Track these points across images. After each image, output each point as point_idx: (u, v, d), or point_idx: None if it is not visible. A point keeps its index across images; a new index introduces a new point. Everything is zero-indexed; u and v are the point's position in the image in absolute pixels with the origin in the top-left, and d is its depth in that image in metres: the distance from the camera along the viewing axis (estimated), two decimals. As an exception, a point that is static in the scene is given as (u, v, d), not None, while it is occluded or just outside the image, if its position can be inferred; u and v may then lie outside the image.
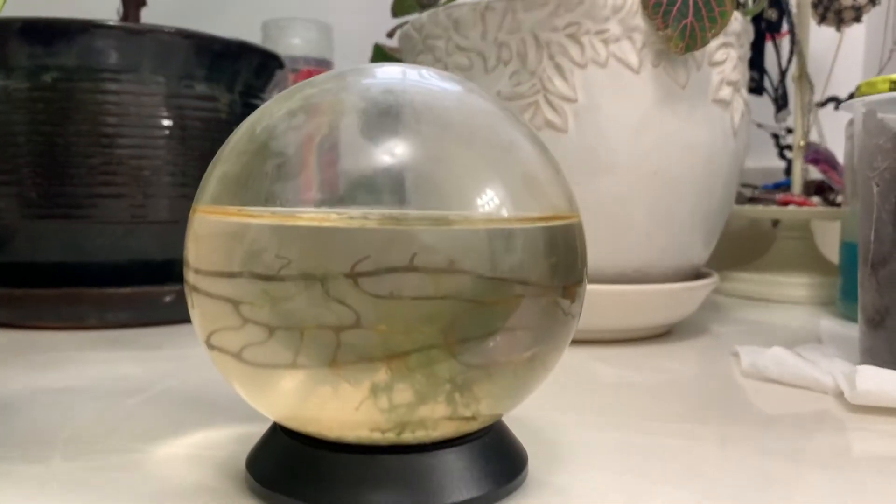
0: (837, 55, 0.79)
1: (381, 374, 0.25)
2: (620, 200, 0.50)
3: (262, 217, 0.25)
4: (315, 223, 0.24)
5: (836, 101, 0.79)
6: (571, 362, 0.48)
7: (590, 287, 0.49)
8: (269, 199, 0.25)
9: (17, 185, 0.56)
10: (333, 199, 0.25)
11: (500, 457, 0.28)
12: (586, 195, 0.49)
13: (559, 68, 0.48)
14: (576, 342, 0.52)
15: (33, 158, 0.55)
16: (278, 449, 0.28)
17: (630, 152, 0.49)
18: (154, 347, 0.51)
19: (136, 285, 0.57)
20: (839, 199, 0.76)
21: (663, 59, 0.49)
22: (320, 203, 0.25)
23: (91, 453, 0.32)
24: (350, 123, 0.27)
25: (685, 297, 0.53)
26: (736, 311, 0.69)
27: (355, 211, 0.24)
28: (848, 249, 0.64)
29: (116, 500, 0.27)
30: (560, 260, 0.27)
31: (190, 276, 0.27)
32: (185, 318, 0.59)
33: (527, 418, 0.37)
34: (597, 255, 0.50)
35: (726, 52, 0.51)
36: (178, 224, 0.58)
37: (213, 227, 0.26)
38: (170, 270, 0.59)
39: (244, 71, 0.61)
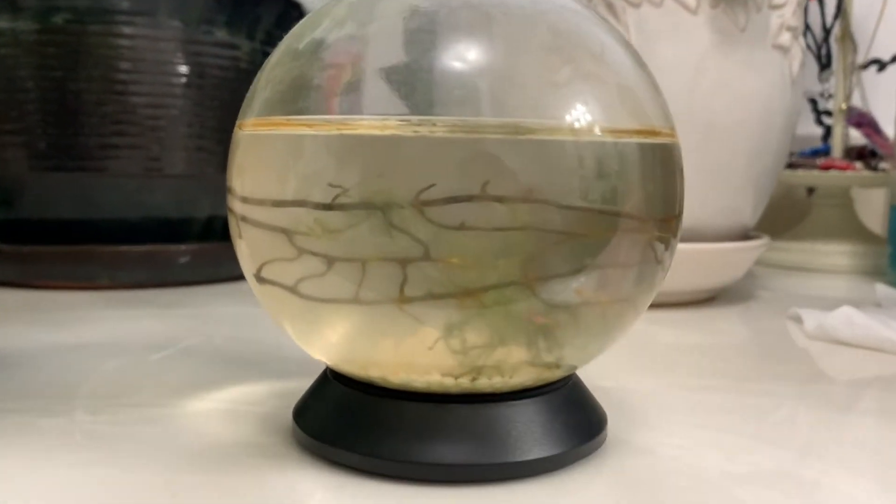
0: (882, 15, 0.76)
1: (454, 312, 0.22)
2: (672, 152, 0.46)
3: (318, 126, 0.21)
4: (376, 131, 0.21)
5: (880, 64, 0.76)
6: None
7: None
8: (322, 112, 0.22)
9: (25, 135, 0.52)
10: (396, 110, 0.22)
11: (581, 411, 0.25)
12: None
13: (611, 6, 0.45)
14: (621, 304, 0.49)
15: (42, 106, 0.52)
16: (331, 398, 0.25)
17: (683, 101, 0.46)
18: (171, 306, 0.48)
19: (151, 243, 0.54)
20: (882, 165, 0.73)
21: (722, 0, 0.45)
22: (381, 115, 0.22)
23: (115, 407, 0.29)
24: (414, 26, 0.23)
25: (737, 259, 0.50)
26: (777, 279, 0.66)
27: (420, 118, 0.21)
28: (899, 214, 0.61)
29: (147, 454, 0.24)
30: (658, 186, 0.23)
31: (236, 205, 0.24)
32: (202, 280, 0.55)
33: (591, 376, 0.33)
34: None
35: (786, -5, 0.48)
36: (195, 179, 0.55)
37: (261, 145, 0.23)
38: (186, 228, 0.56)
39: (265, 18, 0.58)
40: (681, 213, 0.25)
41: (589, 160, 0.22)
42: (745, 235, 0.53)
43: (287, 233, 0.22)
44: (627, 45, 0.25)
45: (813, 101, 0.81)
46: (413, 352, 0.22)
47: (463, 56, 0.22)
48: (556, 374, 0.24)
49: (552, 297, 0.22)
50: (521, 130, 0.21)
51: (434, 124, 0.21)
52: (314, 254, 0.22)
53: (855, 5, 0.74)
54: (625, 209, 0.22)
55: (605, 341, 0.24)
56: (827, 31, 0.75)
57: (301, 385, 0.27)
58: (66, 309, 0.46)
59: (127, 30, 0.52)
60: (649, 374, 0.35)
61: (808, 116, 0.82)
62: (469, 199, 0.21)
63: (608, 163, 0.22)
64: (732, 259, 0.50)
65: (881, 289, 0.53)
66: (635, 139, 0.23)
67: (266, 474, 0.23)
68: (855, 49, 0.72)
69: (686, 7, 0.45)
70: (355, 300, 0.22)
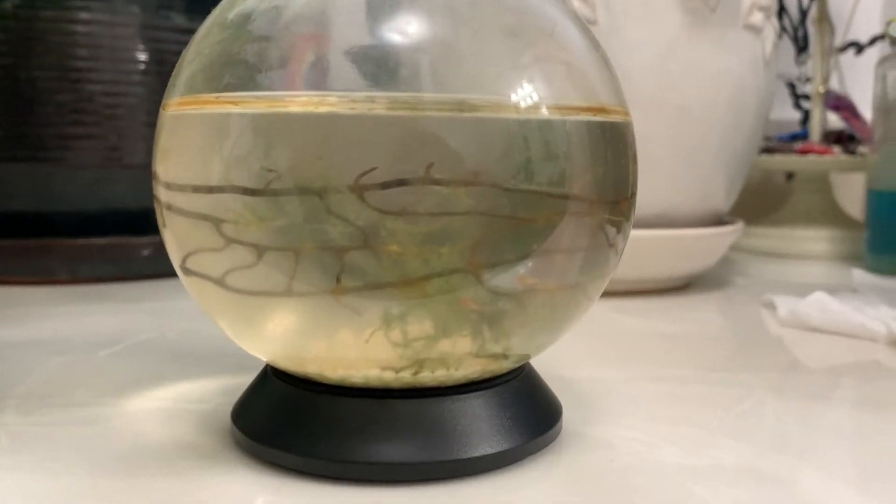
0: (859, -3, 0.75)
1: (394, 302, 0.20)
2: (642, 136, 0.45)
3: (247, 103, 0.20)
4: (310, 109, 0.20)
5: (858, 46, 0.75)
6: (588, 314, 0.44)
7: (608, 232, 0.45)
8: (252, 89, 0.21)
9: (-23, 126, 0.51)
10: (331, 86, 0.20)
11: (533, 404, 0.24)
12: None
13: (577, -13, 0.44)
14: (592, 293, 0.47)
15: (-6, 95, 0.50)
16: (269, 396, 0.24)
17: (653, 82, 0.45)
18: (130, 301, 0.46)
19: (111, 236, 0.52)
20: (861, 149, 0.72)
21: (691, -21, 0.44)
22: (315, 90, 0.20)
23: (49, 407, 0.27)
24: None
25: (710, 245, 0.49)
26: (753, 265, 0.65)
27: (358, 94, 0.20)
28: (878, 199, 0.60)
29: (75, 457, 0.23)
30: (609, 167, 0.22)
31: (161, 192, 0.22)
32: (165, 273, 0.54)
33: (551, 366, 0.32)
34: (616, 197, 0.46)
35: (758, -26, 0.47)
36: (157, 169, 0.53)
37: (186, 126, 0.21)
38: (147, 220, 0.54)
39: (227, 3, 0.56)
40: (634, 194, 0.24)
41: (536, 140, 0.20)
42: (718, 221, 0.52)
43: (213, 221, 0.21)
44: (581, 25, 0.23)
45: (791, 85, 0.80)
46: (350, 345, 0.21)
47: (403, 29, 0.21)
48: (505, 366, 0.23)
49: (498, 285, 0.21)
50: (465, 107, 0.20)
51: (373, 101, 0.20)
52: (243, 243, 0.20)
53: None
54: (573, 191, 0.21)
55: (555, 330, 0.23)
56: (803, 14, 0.74)
57: (251, 382, 0.26)
58: (19, 304, 0.45)
59: (82, 15, 0.51)
60: (613, 364, 0.34)
61: (787, 101, 0.81)
62: (411, 182, 0.20)
63: (556, 143, 0.21)
64: (705, 245, 0.49)
65: (858, 274, 0.52)
66: (584, 117, 0.21)
67: (198, 478, 0.22)
68: (832, 31, 0.71)
69: (655, -14, 0.43)
70: (288, 292, 0.21)
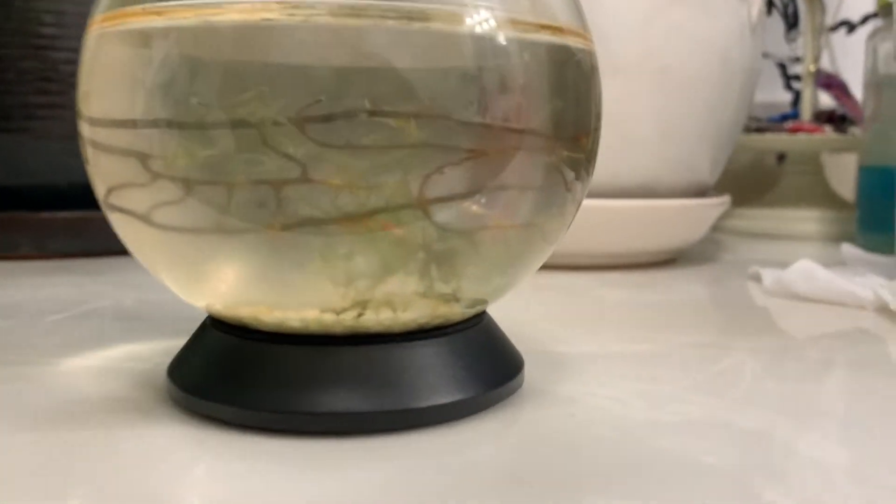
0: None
1: (335, 239, 0.19)
2: (624, 103, 0.44)
3: (173, 13, 0.18)
4: (244, 17, 0.18)
5: (849, 25, 0.73)
6: (569, 285, 0.42)
7: (587, 203, 0.43)
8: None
9: (-62, 95, 0.49)
10: None
11: (490, 355, 0.22)
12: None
13: (555, -55, 0.42)
14: (572, 267, 0.46)
15: (-45, 63, 0.49)
16: (205, 348, 0.22)
17: (635, 46, 0.43)
18: (94, 274, 0.45)
19: (78, 210, 0.51)
20: (852, 129, 0.70)
21: (674, -62, 0.42)
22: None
23: (-19, 365, 0.26)
24: None
25: (695, 216, 0.47)
26: (742, 245, 0.63)
27: (299, 0, 0.18)
28: (869, 175, 0.58)
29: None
30: (570, 98, 0.21)
31: (84, 128, 0.21)
32: (133, 247, 0.52)
33: (521, 331, 0.31)
34: (596, 167, 0.44)
35: (744, -64, 0.45)
36: (125, 141, 0.52)
37: (107, 48, 0.20)
38: (116, 194, 0.53)
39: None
40: (596, 130, 0.22)
41: (490, 64, 0.19)
42: (704, 194, 0.50)
43: (139, 156, 0.19)
44: None
45: (782, 66, 0.78)
46: (286, 285, 0.19)
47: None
48: (457, 311, 0.21)
49: (446, 221, 0.19)
50: (416, 16, 0.18)
51: (314, 7, 0.18)
52: (171, 178, 0.19)
53: (823, -37, 0.71)
54: (529, 125, 0.20)
55: (510, 273, 0.21)
56: (794, -11, 0.72)
57: (189, 337, 0.24)
58: (-24, 277, 0.43)
59: (44, -20, 0.49)
60: (587, 329, 0.32)
61: (777, 82, 0.80)
62: (358, 114, 0.18)
63: (512, 69, 0.19)
64: (689, 217, 0.47)
65: (846, 248, 0.50)
66: (543, 36, 0.20)
67: (128, 432, 0.20)
68: (823, 9, 0.70)
69: (636, -55, 0.42)
70: (219, 228, 0.19)
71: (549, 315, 0.35)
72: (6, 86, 0.49)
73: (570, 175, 0.21)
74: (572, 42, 0.21)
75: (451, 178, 0.19)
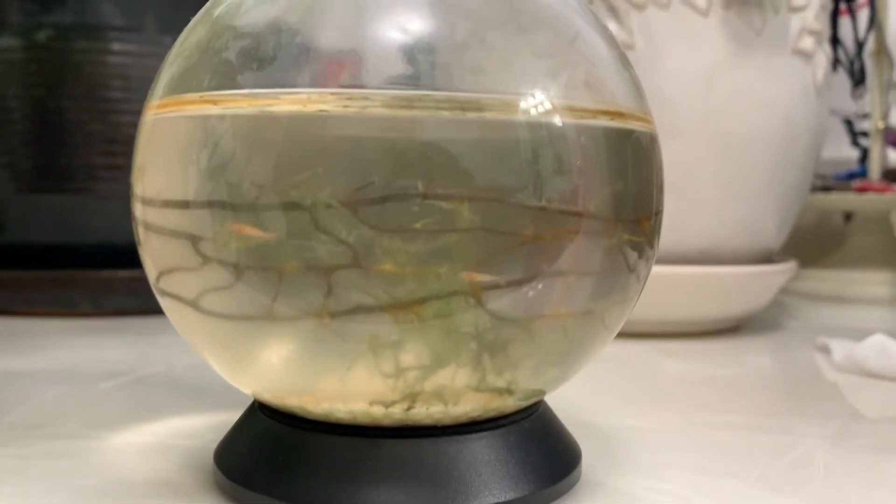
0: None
1: (385, 327, 0.18)
2: (684, 166, 0.43)
3: (229, 102, 0.18)
4: (299, 107, 0.18)
5: (919, 81, 0.71)
6: (626, 355, 0.41)
7: (648, 268, 0.42)
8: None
9: (7, 156, 0.51)
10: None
11: (546, 448, 0.21)
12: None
13: (613, 10, 0.42)
14: (630, 335, 0.45)
15: (25, 126, 0.50)
16: (252, 433, 0.21)
17: (696, 109, 0.42)
18: (149, 334, 0.45)
19: (135, 268, 0.51)
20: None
21: (735, 1, 0.42)
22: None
23: (32, 438, 0.26)
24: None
25: (758, 284, 0.46)
26: (808, 310, 0.61)
27: (353, 91, 0.18)
28: (942, 237, 0.56)
29: (45, 491, 0.21)
30: (630, 182, 0.20)
31: (137, 209, 0.21)
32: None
33: (576, 411, 0.30)
34: (656, 231, 0.43)
35: (807, -2, 0.44)
36: (184, 201, 0.53)
37: (163, 132, 0.20)
38: (174, 253, 0.53)
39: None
40: (658, 213, 0.21)
41: (546, 148, 0.18)
42: (768, 260, 0.49)
43: (190, 238, 0.19)
44: (611, 40, 0.21)
45: (848, 122, 0.76)
46: (335, 375, 0.19)
47: (403, 25, 0.19)
48: (510, 403, 0.20)
49: (500, 309, 0.18)
50: (469, 106, 0.18)
51: (369, 98, 0.18)
52: (221, 262, 0.18)
53: (891, 18, 0.70)
54: (587, 208, 0.19)
55: (567, 363, 0.20)
56: (860, 45, 0.71)
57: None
58: (36, 335, 0.44)
59: (114, 46, 0.50)
60: (647, 408, 0.31)
61: (844, 138, 0.78)
62: (411, 197, 0.18)
63: (569, 152, 0.19)
64: (754, 284, 0.45)
65: (923, 318, 0.48)
66: (601, 121, 0.19)
67: (167, 520, 0.20)
68: (891, 64, 0.68)
69: (696, 9, 0.41)
70: (268, 316, 0.18)
71: (605, 389, 0.34)
72: (73, 148, 0.50)
73: (633, 258, 0.20)
74: (629, 125, 0.20)
75: (506, 264, 0.18)
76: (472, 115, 0.18)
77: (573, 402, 0.31)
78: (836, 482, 0.23)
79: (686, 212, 0.43)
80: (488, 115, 0.18)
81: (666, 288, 0.43)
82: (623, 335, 0.44)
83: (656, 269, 0.42)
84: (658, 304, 0.43)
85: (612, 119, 0.19)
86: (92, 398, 0.31)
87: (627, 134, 0.20)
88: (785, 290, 0.69)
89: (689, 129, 0.42)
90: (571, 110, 0.19)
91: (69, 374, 0.34)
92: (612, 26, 0.41)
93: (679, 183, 0.43)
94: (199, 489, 0.21)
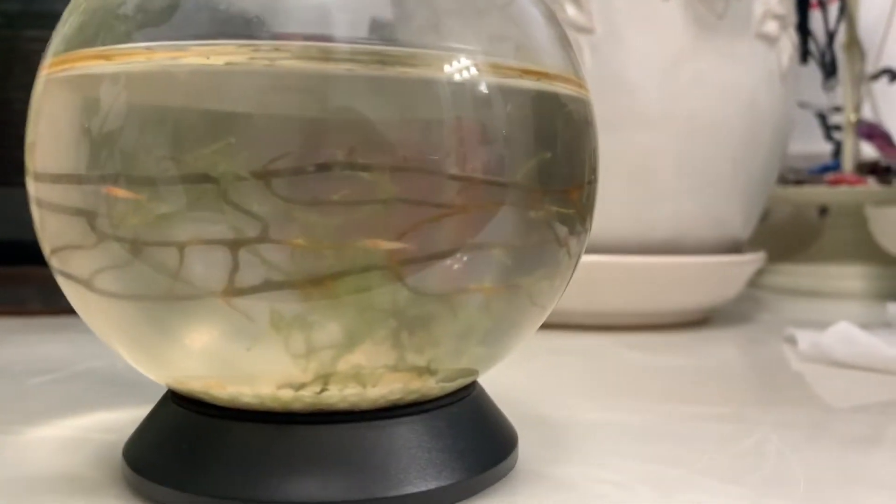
0: (891, 21, 0.71)
1: (294, 304, 0.17)
2: (646, 154, 0.42)
3: (123, 57, 0.17)
4: (201, 60, 0.16)
5: (892, 74, 0.70)
6: (588, 348, 0.40)
7: (611, 259, 0.41)
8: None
9: (-48, 149, 0.49)
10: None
11: (475, 435, 0.20)
12: (604, 147, 0.41)
13: (572, -7, 0.41)
14: (594, 328, 0.43)
15: (-30, 117, 0.48)
16: (161, 423, 0.20)
17: (658, 95, 0.41)
18: (97, 331, 0.43)
19: (88, 265, 0.50)
20: (897, 180, 0.67)
21: (696, -16, 0.40)
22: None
23: (-60, 435, 0.24)
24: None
25: (725, 274, 0.45)
26: (781, 304, 0.60)
27: (261, 42, 0.16)
28: (914, 228, 0.55)
29: (-66, 490, 0.20)
30: (559, 149, 0.18)
31: (30, 185, 0.19)
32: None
33: (528, 402, 0.28)
34: (617, 221, 0.42)
35: (771, -19, 0.43)
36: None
37: (52, 97, 0.18)
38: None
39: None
40: (591, 183, 0.20)
41: (470, 112, 0.17)
42: (736, 250, 0.48)
43: (86, 215, 0.17)
44: (546, 11, 0.20)
45: (822, 116, 0.75)
46: (238, 357, 0.17)
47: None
48: (433, 385, 0.19)
49: (421, 284, 0.17)
50: (390, 60, 0.17)
51: (279, 49, 0.16)
52: (118, 239, 0.17)
53: (861, 11, 0.69)
54: (513, 178, 0.18)
55: (493, 341, 0.19)
56: (830, 36, 0.70)
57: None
58: (-22, 334, 0.42)
59: (63, 36, 0.49)
60: (605, 400, 0.30)
61: (817, 132, 0.77)
62: (331, 167, 0.16)
63: (494, 117, 0.17)
64: (721, 275, 0.44)
65: (893, 308, 0.47)
66: (528, 82, 0.18)
67: (63, 515, 0.18)
68: (863, 57, 0.67)
69: (656, -9, 0.40)
70: (168, 295, 0.17)
71: (560, 381, 0.33)
72: (20, 140, 0.49)
73: (563, 231, 0.19)
74: (559, 87, 0.19)
75: (428, 236, 0.17)
76: (391, 69, 0.16)
77: (524, 392, 0.30)
78: (784, 470, 0.22)
79: (649, 201, 0.42)
80: (409, 70, 0.17)
81: (630, 279, 0.41)
82: (588, 328, 0.43)
83: (619, 259, 0.41)
84: (622, 296, 0.42)
85: (539, 80, 0.18)
86: (19, 393, 0.29)
87: (556, 98, 0.19)
88: (759, 285, 0.68)
89: (651, 116, 0.41)
90: (497, 68, 0.17)
91: (2, 370, 0.33)
92: (571, 9, 0.40)
93: (641, 171, 0.42)
94: (106, 483, 0.20)
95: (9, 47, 0.48)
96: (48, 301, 0.49)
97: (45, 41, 0.50)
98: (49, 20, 0.48)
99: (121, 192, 0.17)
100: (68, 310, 0.49)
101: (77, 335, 0.42)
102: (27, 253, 0.49)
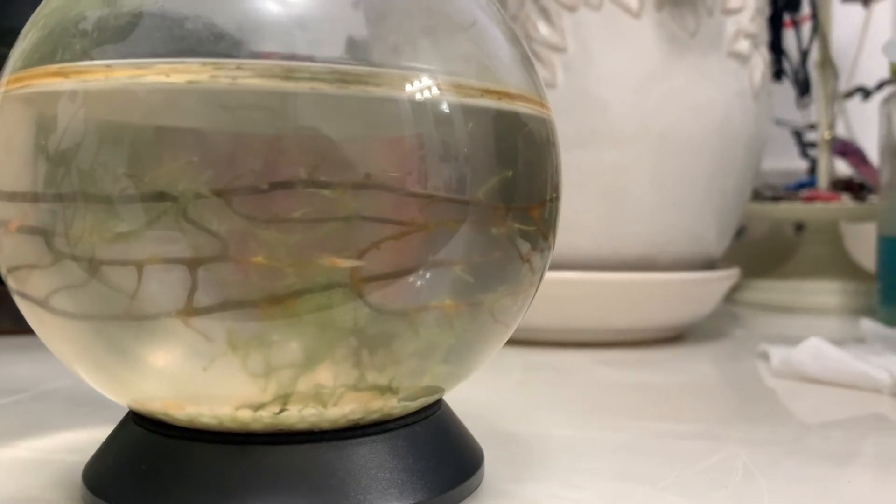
0: (864, 39, 0.72)
1: (253, 323, 0.17)
2: (619, 171, 0.42)
3: (81, 74, 0.17)
4: (161, 78, 0.16)
5: (864, 91, 0.71)
6: (561, 364, 0.40)
7: (584, 276, 0.41)
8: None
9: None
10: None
11: (438, 454, 0.20)
12: (578, 164, 0.41)
13: (544, 11, 0.41)
14: (568, 344, 0.43)
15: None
16: (120, 444, 0.20)
17: (631, 112, 0.41)
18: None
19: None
20: (871, 197, 0.68)
21: (668, 2, 0.41)
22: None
23: None
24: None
25: (699, 290, 0.45)
26: (757, 320, 0.60)
27: (223, 60, 0.16)
28: (889, 245, 0.56)
29: None
30: (521, 166, 0.19)
31: None
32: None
33: (496, 419, 0.28)
34: (591, 237, 0.42)
35: (742, 0, 0.44)
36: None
37: (7, 113, 0.18)
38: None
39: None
40: (553, 201, 0.20)
41: (432, 131, 0.17)
42: (710, 266, 0.48)
43: (42, 234, 0.17)
44: (514, 39, 0.20)
45: (797, 134, 0.76)
46: (195, 377, 0.17)
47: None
48: (394, 404, 0.19)
49: (382, 301, 0.17)
50: (351, 78, 0.17)
51: (241, 68, 0.16)
52: (75, 258, 0.17)
53: (834, 29, 0.70)
54: (475, 195, 0.18)
55: (456, 358, 0.19)
56: (804, 55, 0.71)
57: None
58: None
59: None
60: (575, 417, 0.30)
61: (793, 149, 0.78)
62: (292, 185, 0.16)
63: (456, 136, 0.17)
64: (695, 291, 0.44)
65: (866, 324, 0.47)
66: (489, 102, 0.18)
67: (17, 539, 0.18)
68: (836, 75, 0.68)
69: (628, 10, 0.40)
70: (125, 315, 0.17)
71: (532, 398, 0.33)
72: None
73: (525, 248, 0.19)
74: (519, 106, 0.19)
75: (389, 254, 0.17)
76: (353, 88, 0.16)
77: (494, 410, 0.29)
78: (751, 486, 0.21)
79: (622, 217, 0.42)
80: (371, 89, 0.17)
81: (604, 295, 0.41)
82: (561, 344, 0.43)
83: (593, 276, 0.41)
84: (597, 312, 0.42)
85: (500, 99, 0.18)
86: (-18, 414, 0.29)
87: (517, 117, 0.19)
88: (735, 301, 0.69)
89: (624, 133, 0.41)
90: (458, 88, 0.18)
91: (-34, 391, 0.32)
92: (544, 28, 0.40)
93: (615, 188, 0.42)
94: (64, 506, 0.20)
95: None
96: (18, 321, 0.48)
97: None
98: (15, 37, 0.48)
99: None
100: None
101: (47, 354, 0.41)
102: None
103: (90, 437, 0.26)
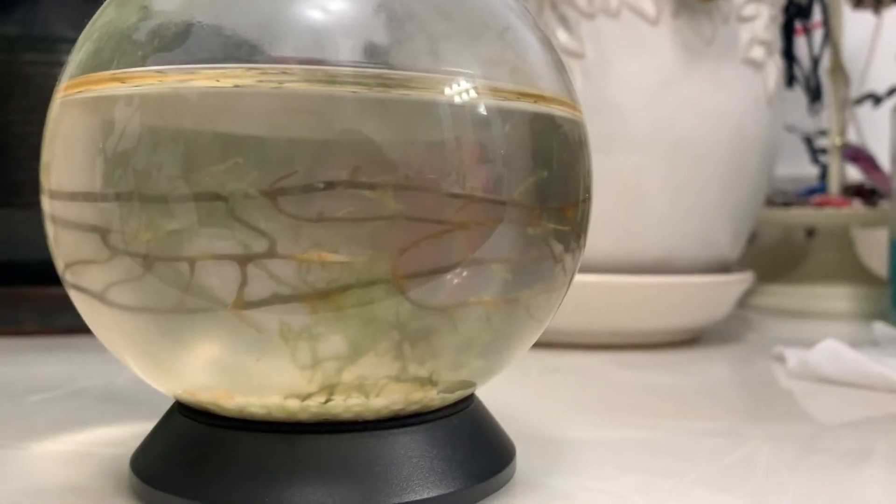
0: (875, 46, 0.72)
1: (301, 317, 0.17)
2: (635, 176, 0.42)
3: (136, 79, 0.17)
4: (211, 83, 0.17)
5: (875, 98, 0.72)
6: (580, 366, 0.40)
7: (601, 279, 0.42)
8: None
9: (-49, 170, 0.49)
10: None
11: (474, 445, 0.20)
12: (595, 169, 0.41)
13: (563, 19, 0.42)
14: (585, 346, 0.44)
15: (-31, 139, 0.49)
16: (168, 434, 0.20)
17: (647, 119, 0.42)
18: (95, 351, 0.44)
19: (84, 285, 0.50)
20: (882, 203, 0.68)
21: (684, 10, 0.42)
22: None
23: (-55, 449, 0.24)
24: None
25: (714, 294, 0.45)
26: (769, 324, 0.61)
27: (269, 66, 0.17)
28: (899, 250, 0.56)
29: (-57, 501, 0.20)
30: (555, 168, 0.19)
31: (45, 203, 0.20)
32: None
33: (523, 416, 0.29)
34: (608, 242, 0.43)
35: (756, 8, 0.44)
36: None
37: (68, 118, 0.19)
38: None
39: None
40: (586, 201, 0.21)
41: (470, 134, 0.18)
42: (725, 270, 0.48)
43: (99, 231, 0.18)
44: (546, 43, 0.21)
45: (808, 140, 0.77)
46: (247, 368, 0.18)
47: (324, 5, 0.18)
48: (433, 396, 0.19)
49: (423, 297, 0.18)
50: (391, 83, 0.17)
51: (287, 73, 0.17)
52: (130, 254, 0.18)
53: (845, 36, 0.70)
54: (511, 196, 0.18)
55: (492, 353, 0.20)
56: (815, 62, 0.71)
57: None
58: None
59: (62, 58, 0.49)
60: (597, 416, 0.30)
61: (804, 155, 0.78)
62: (332, 186, 0.17)
63: (493, 139, 0.18)
64: (709, 295, 0.45)
65: (879, 328, 0.48)
66: (525, 105, 0.19)
67: (72, 524, 0.18)
68: (847, 82, 0.69)
69: (645, 17, 0.41)
70: (177, 308, 0.18)
71: (554, 398, 0.34)
72: (19, 162, 0.49)
73: (559, 247, 0.20)
74: (554, 109, 0.19)
75: (429, 252, 0.18)
76: (394, 91, 0.17)
77: (519, 409, 0.30)
78: (773, 481, 0.22)
79: (638, 222, 0.43)
80: (411, 93, 0.18)
81: (621, 298, 0.42)
82: (579, 346, 0.44)
83: (610, 279, 0.42)
84: (613, 315, 0.43)
85: (535, 102, 0.19)
86: (18, 410, 0.30)
87: (552, 120, 0.19)
88: (747, 305, 0.69)
89: (641, 139, 0.42)
90: (495, 91, 0.18)
91: (1, 389, 0.33)
92: (562, 35, 0.41)
93: (631, 192, 0.43)
94: (112, 494, 0.20)
95: (7, 71, 0.49)
96: (44, 321, 0.49)
97: (43, 64, 0.51)
98: (47, 44, 0.49)
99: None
100: (63, 330, 0.49)
101: (73, 355, 0.42)
102: (24, 273, 0.50)
103: (129, 431, 0.26)
